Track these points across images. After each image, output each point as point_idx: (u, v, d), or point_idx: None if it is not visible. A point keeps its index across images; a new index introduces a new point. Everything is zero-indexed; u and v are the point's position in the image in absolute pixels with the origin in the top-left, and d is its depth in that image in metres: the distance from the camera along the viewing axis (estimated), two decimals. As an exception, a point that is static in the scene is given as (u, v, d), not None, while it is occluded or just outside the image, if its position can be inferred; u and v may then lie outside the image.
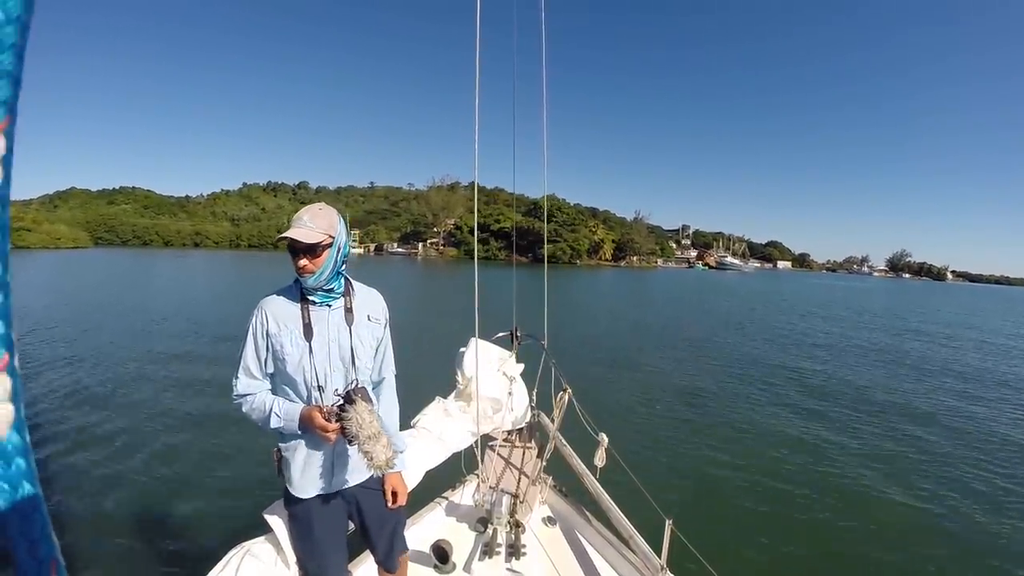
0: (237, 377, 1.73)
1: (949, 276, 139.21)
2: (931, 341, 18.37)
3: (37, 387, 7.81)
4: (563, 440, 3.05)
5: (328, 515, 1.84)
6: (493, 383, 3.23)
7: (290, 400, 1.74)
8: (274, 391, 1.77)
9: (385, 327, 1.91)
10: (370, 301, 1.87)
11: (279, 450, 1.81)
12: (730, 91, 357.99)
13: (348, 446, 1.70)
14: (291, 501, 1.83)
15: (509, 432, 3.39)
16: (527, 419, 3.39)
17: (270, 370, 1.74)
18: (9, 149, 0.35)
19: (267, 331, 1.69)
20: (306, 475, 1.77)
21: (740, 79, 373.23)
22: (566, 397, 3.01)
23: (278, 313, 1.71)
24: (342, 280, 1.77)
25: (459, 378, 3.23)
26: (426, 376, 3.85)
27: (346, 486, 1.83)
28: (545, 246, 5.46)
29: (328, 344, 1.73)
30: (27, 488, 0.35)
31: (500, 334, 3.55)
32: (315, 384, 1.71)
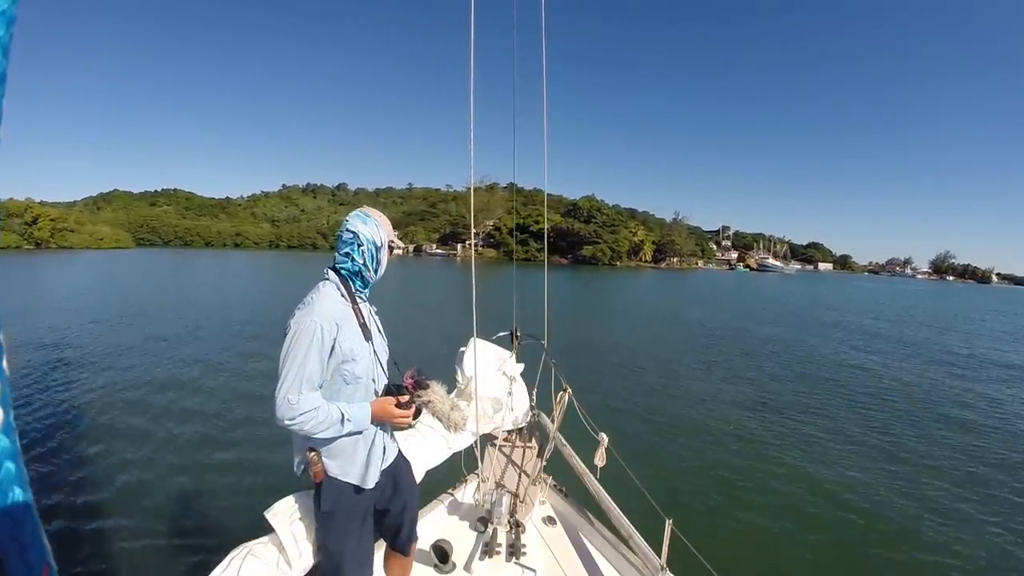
0: (300, 393, 1.59)
1: (994, 279, 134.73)
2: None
3: (28, 389, 7.77)
4: (563, 440, 3.05)
5: (368, 506, 1.87)
6: (493, 383, 3.23)
7: (351, 401, 1.72)
8: (326, 398, 1.70)
9: None
10: None
11: (316, 452, 1.73)
12: (769, 93, 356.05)
13: (411, 423, 1.84)
14: (338, 496, 1.77)
15: (509, 432, 3.39)
16: (527, 419, 3.38)
17: (327, 377, 1.68)
18: (-5, 147, 0.34)
19: (335, 338, 1.65)
20: (362, 466, 1.78)
21: (781, 81, 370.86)
22: (566, 397, 3.01)
23: (340, 316, 1.69)
24: None
25: (459, 378, 3.22)
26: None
27: (384, 467, 1.89)
28: (546, 244, 5.45)
29: (377, 339, 1.82)
30: (17, 492, 0.35)
31: (500, 334, 3.54)
32: (381, 373, 1.81)
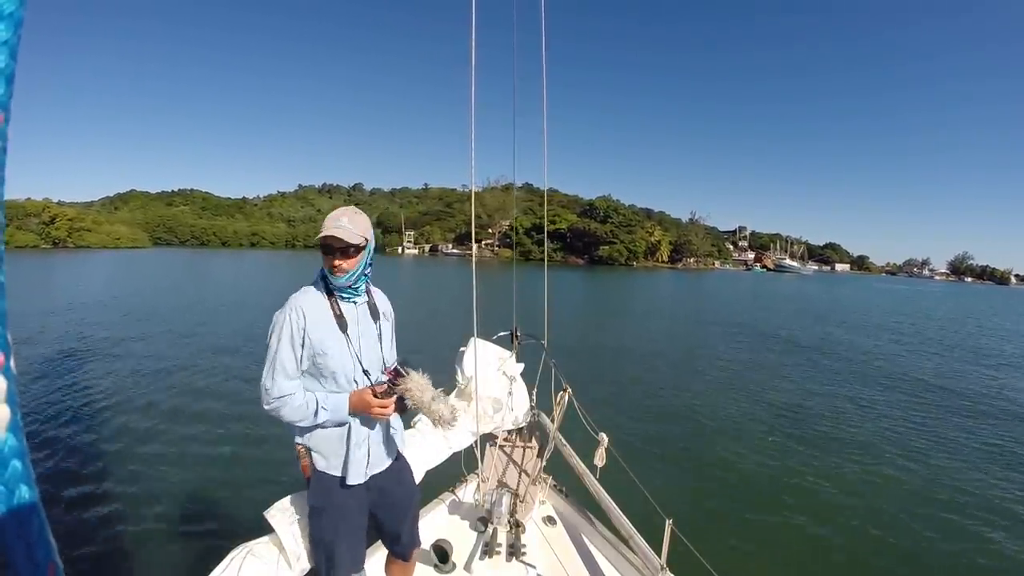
0: (273, 379, 1.68)
1: (1013, 280, 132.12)
2: None
3: (34, 389, 7.77)
4: (563, 440, 3.05)
5: (359, 504, 1.87)
6: (493, 383, 3.24)
7: (330, 392, 1.75)
8: (305, 388, 1.76)
9: (393, 323, 2.04)
10: (383, 300, 1.99)
11: (304, 446, 1.79)
12: (786, 94, 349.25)
13: (398, 417, 1.89)
14: (325, 491, 1.80)
15: (509, 432, 3.39)
16: (527, 419, 3.39)
17: (304, 367, 1.73)
18: (2, 149, 0.34)
19: (303, 327, 1.70)
20: (344, 462, 1.79)
21: (797, 83, 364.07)
22: (566, 397, 3.01)
23: (311, 308, 1.73)
24: (366, 281, 1.85)
25: (459, 378, 3.23)
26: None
27: (376, 472, 1.89)
28: (546, 244, 5.47)
29: (360, 336, 1.81)
30: (24, 491, 0.35)
31: (500, 334, 3.54)
32: (360, 371, 1.78)
